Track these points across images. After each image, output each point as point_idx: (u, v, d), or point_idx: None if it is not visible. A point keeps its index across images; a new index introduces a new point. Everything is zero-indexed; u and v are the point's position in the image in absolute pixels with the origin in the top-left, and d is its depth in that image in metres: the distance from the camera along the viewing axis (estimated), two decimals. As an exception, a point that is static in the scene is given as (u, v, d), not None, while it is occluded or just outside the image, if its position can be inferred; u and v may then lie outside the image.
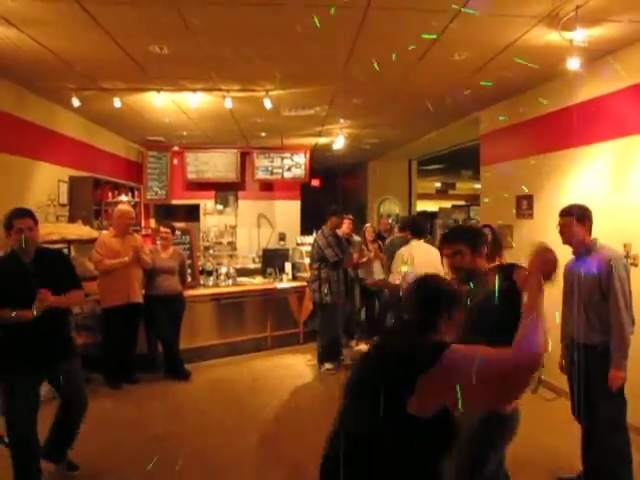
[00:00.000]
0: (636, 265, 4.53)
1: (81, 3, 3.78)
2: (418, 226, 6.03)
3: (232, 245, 10.87)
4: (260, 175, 11.12)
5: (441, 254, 3.49)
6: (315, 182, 12.69)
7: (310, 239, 8.95)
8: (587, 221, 3.59)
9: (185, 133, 9.21)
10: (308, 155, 11.05)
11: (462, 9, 3.85)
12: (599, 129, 5.06)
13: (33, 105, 6.35)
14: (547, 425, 4.73)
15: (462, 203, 16.78)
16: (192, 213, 11.22)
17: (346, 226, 7.05)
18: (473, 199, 14.86)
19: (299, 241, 9.16)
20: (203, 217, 11.29)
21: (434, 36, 4.38)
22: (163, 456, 4.20)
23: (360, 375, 2.00)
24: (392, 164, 12.79)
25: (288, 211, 11.52)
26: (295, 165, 11.08)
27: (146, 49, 4.79)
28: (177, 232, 7.00)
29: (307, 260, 8.21)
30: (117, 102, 6.40)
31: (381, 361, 1.91)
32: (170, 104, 6.83)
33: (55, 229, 6.10)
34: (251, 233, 11.38)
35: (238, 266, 8.76)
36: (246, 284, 7.64)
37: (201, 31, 4.39)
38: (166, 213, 11.00)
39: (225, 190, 11.32)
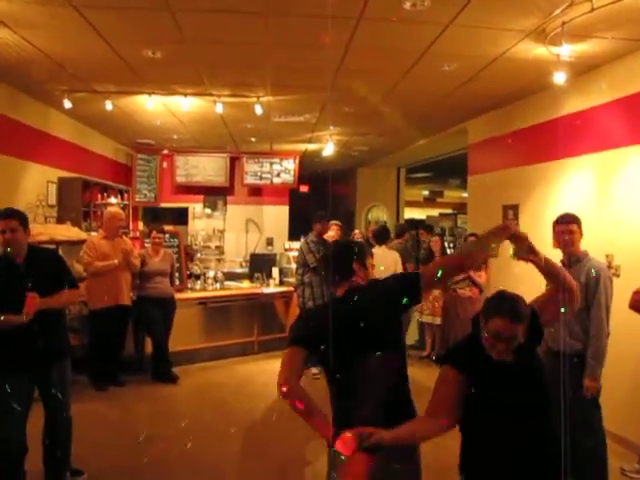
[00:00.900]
0: (618, 276, 4.62)
1: (76, 6, 3.81)
2: (381, 234, 6.87)
3: (220, 249, 10.88)
4: (249, 180, 11.15)
5: None
6: (304, 188, 12.74)
7: (298, 245, 9.00)
8: (581, 230, 3.66)
9: (175, 136, 9.23)
10: (297, 161, 11.10)
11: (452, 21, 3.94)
12: (584, 142, 5.16)
13: (24, 106, 6.35)
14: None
15: (449, 211, 16.93)
16: (180, 216, 11.22)
17: (334, 232, 7.11)
18: (460, 207, 15.00)
19: (287, 246, 9.19)
20: (191, 221, 11.29)
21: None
22: (149, 459, 4.20)
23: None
24: (381, 171, 12.88)
25: (276, 216, 11.56)
26: (284, 171, 11.12)
27: (139, 53, 4.82)
28: (166, 235, 7.01)
29: (294, 265, 8.25)
30: (108, 105, 6.42)
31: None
32: (161, 107, 6.85)
33: (44, 230, 6.09)
34: (239, 238, 11.40)
35: (226, 270, 8.77)
36: (233, 288, 7.66)
37: (194, 37, 4.44)
38: (154, 216, 10.99)
39: (214, 194, 11.33)
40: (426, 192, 18.37)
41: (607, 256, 4.70)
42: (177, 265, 6.86)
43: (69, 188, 7.46)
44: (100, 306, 5.65)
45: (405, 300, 2.27)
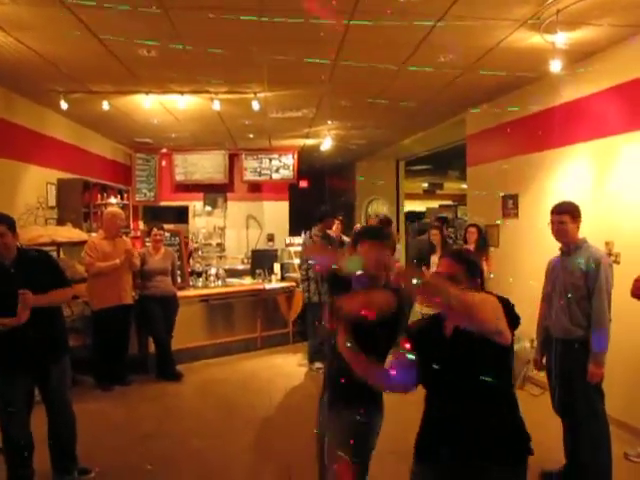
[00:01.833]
0: (618, 263, 4.63)
1: (69, 7, 3.81)
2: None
3: (221, 246, 10.90)
4: (248, 176, 11.15)
5: None
6: (303, 183, 12.75)
7: (299, 240, 9.02)
8: (578, 219, 3.67)
9: (173, 135, 9.22)
10: (296, 156, 11.10)
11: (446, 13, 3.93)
12: (582, 129, 5.16)
13: (21, 108, 6.36)
14: (533, 420, 4.79)
15: (449, 203, 16.91)
16: (181, 215, 11.24)
17: (335, 227, 7.12)
18: (460, 199, 14.99)
19: (288, 242, 9.20)
20: (192, 219, 11.31)
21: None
22: (156, 457, 4.24)
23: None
24: (380, 164, 12.86)
25: (277, 212, 11.57)
26: (283, 166, 11.12)
27: (134, 52, 4.82)
28: (166, 234, 7.03)
29: (296, 261, 8.27)
30: (105, 105, 6.42)
31: None
32: (158, 106, 6.85)
33: (44, 232, 6.12)
34: (240, 234, 11.41)
35: (227, 267, 8.80)
36: (235, 285, 7.68)
37: (188, 35, 4.44)
38: (155, 215, 10.98)
39: (214, 191, 11.34)
40: (426, 184, 18.34)
41: (607, 243, 4.72)
42: (178, 263, 6.88)
43: (69, 189, 7.47)
44: (103, 306, 5.66)
45: None
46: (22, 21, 4.07)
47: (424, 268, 7.59)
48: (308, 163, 12.00)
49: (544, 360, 3.91)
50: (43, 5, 3.80)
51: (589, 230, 4.90)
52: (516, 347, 6.13)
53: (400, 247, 8.75)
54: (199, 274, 7.65)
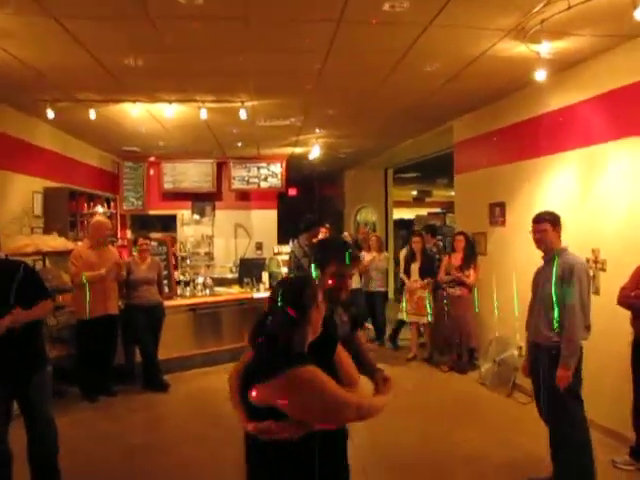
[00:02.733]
0: (604, 270, 4.66)
1: (55, 16, 3.79)
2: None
3: (209, 255, 10.86)
4: (237, 185, 11.13)
5: None
6: (292, 191, 12.75)
7: (287, 248, 9.01)
8: (558, 227, 3.72)
9: (161, 143, 9.20)
10: (284, 165, 11.09)
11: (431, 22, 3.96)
12: (567, 138, 5.20)
13: (7, 117, 6.31)
14: (521, 428, 4.83)
15: (438, 210, 17.00)
16: (169, 223, 11.18)
17: (323, 235, 7.11)
18: (449, 206, 15.06)
19: (276, 250, 9.19)
20: (180, 227, 11.26)
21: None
22: (142, 468, 4.19)
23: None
24: (368, 173, 12.91)
25: (265, 220, 11.54)
26: (271, 175, 11.12)
27: (121, 61, 4.80)
28: (153, 243, 6.98)
29: (284, 269, 8.24)
30: (92, 114, 6.38)
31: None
32: (146, 115, 6.83)
33: (30, 241, 6.05)
34: (228, 243, 11.38)
35: (215, 276, 8.75)
36: (223, 294, 7.64)
37: (175, 44, 4.43)
38: (143, 224, 10.94)
39: (202, 200, 11.31)
40: (415, 192, 18.43)
41: (593, 251, 4.75)
42: (165, 272, 6.83)
43: (55, 198, 7.41)
44: (88, 316, 5.60)
45: None
46: (6, 30, 4.03)
47: (404, 276, 7.63)
48: (297, 171, 12.01)
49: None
50: (27, 14, 3.76)
51: (575, 238, 4.93)
52: (505, 355, 6.20)
53: (389, 255, 8.76)
54: (186, 283, 7.60)
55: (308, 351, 2.01)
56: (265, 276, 8.17)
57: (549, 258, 3.72)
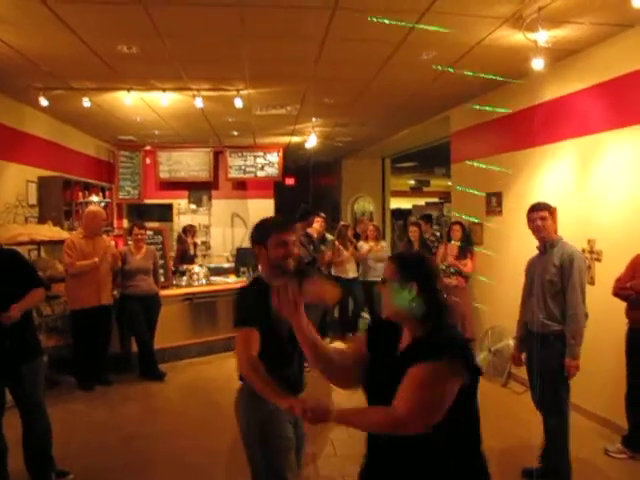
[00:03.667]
0: (600, 260, 4.65)
1: (47, 3, 3.74)
2: None
3: (206, 244, 10.83)
4: (233, 174, 11.10)
5: None
6: (289, 180, 12.71)
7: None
8: (554, 217, 3.83)
9: (157, 132, 9.15)
10: (281, 154, 11.06)
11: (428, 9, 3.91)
12: (565, 127, 5.17)
13: (0, 105, 6.24)
14: (516, 417, 4.84)
15: (436, 200, 16.96)
16: (165, 213, 11.15)
17: (319, 225, 7.10)
18: (447, 196, 15.01)
19: (272, 239, 9.14)
20: (176, 217, 11.22)
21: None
22: (138, 457, 4.20)
23: None
24: (365, 162, 12.86)
25: (262, 210, 11.47)
26: (268, 164, 11.08)
27: (114, 48, 4.75)
28: (149, 232, 6.95)
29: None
30: (86, 102, 6.33)
31: None
32: (141, 103, 6.78)
33: (24, 230, 6.03)
34: (225, 232, 11.35)
35: (212, 265, 8.74)
36: (219, 283, 7.62)
37: (169, 31, 4.39)
38: (139, 213, 10.91)
39: (198, 189, 11.28)
40: (412, 182, 18.39)
41: (589, 241, 4.74)
42: (161, 262, 6.81)
43: (49, 187, 7.37)
44: (81, 306, 5.58)
45: None
46: (-2, 16, 3.99)
47: None
48: (294, 161, 11.97)
49: (523, 356, 3.96)
50: None
51: (572, 228, 4.93)
52: (500, 345, 6.19)
53: (386, 245, 8.73)
54: (183, 273, 7.58)
55: None
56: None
57: (546, 247, 3.73)
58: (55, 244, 6.39)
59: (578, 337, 3.54)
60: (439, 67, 5.27)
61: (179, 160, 10.93)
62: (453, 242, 6.80)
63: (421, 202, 16.83)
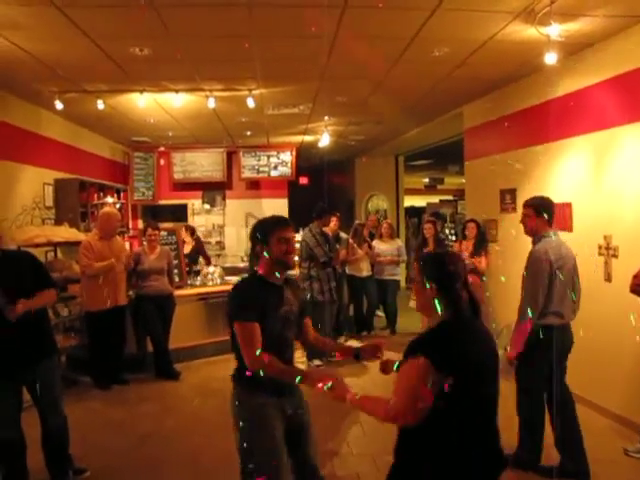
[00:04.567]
0: (616, 257, 4.59)
1: (59, 7, 3.78)
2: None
3: (220, 244, 10.88)
4: (247, 174, 11.13)
5: None
6: (303, 180, 12.71)
7: (298, 237, 8.98)
8: (544, 213, 3.75)
9: (170, 133, 9.20)
10: (294, 153, 11.07)
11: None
12: (580, 122, 5.11)
13: (16, 108, 6.33)
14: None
15: (450, 198, 16.86)
16: (180, 213, 11.20)
17: (334, 223, 7.11)
18: (461, 194, 14.93)
19: (287, 239, 9.14)
20: (191, 217, 11.28)
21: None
22: (154, 456, 4.23)
23: None
24: (379, 160, 12.83)
25: (275, 209, 11.43)
26: (281, 163, 11.09)
27: (127, 51, 4.79)
28: (163, 232, 7.00)
29: (296, 258, 8.24)
30: (100, 104, 6.39)
31: None
32: (154, 105, 6.82)
33: (41, 232, 6.08)
34: (239, 232, 11.37)
35: (227, 265, 8.76)
36: (234, 283, 7.62)
37: (181, 32, 4.41)
38: (153, 214, 10.97)
39: (212, 189, 11.31)
40: (426, 179, 18.31)
41: (605, 237, 4.67)
42: (176, 262, 6.85)
43: (66, 189, 7.44)
44: (98, 308, 5.63)
45: None
46: (11, 21, 4.03)
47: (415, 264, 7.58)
48: (307, 160, 11.97)
49: None
50: (31, 5, 3.76)
51: (588, 224, 4.89)
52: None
53: (401, 243, 8.71)
54: (197, 273, 7.62)
55: None
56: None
57: (533, 243, 3.84)
58: (71, 245, 6.46)
59: (518, 331, 3.68)
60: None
61: (193, 161, 10.98)
62: (468, 239, 6.78)
63: (435, 200, 16.72)
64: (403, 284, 10.28)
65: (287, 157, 11.08)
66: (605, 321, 4.57)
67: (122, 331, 5.98)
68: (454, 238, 12.53)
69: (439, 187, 18.49)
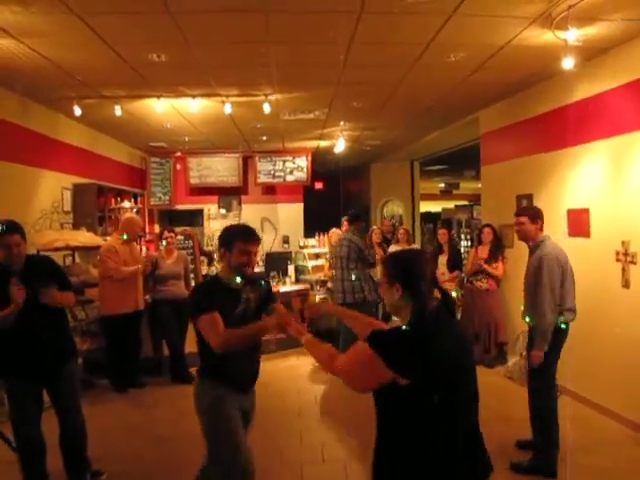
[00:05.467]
0: (634, 263, 4.53)
1: (79, 14, 3.84)
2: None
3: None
4: (262, 179, 11.17)
5: None
6: (318, 185, 12.73)
7: (313, 241, 9.02)
8: (538, 220, 3.98)
9: (187, 138, 9.27)
10: (310, 158, 11.09)
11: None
12: (597, 127, 5.06)
13: (36, 114, 6.42)
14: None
15: (465, 203, 16.77)
16: (196, 218, 11.29)
17: (345, 228, 7.12)
18: (477, 199, 14.85)
19: (302, 244, 9.19)
20: (207, 221, 11.35)
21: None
22: (169, 459, 4.25)
23: None
24: (394, 165, 12.82)
25: (291, 214, 11.55)
26: (297, 168, 11.12)
27: (144, 57, 4.85)
28: (180, 237, 7.05)
29: (310, 263, 8.26)
30: (118, 110, 6.46)
31: None
32: (170, 110, 6.88)
33: (59, 236, 6.16)
34: (255, 237, 11.39)
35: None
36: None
37: (198, 38, 4.45)
38: (170, 218, 11.07)
39: (228, 194, 11.38)
40: (442, 184, 18.23)
41: (623, 243, 4.62)
42: (192, 267, 6.89)
43: (84, 194, 7.53)
44: (118, 312, 5.69)
45: None
46: (32, 28, 4.10)
47: None
48: (323, 165, 11.99)
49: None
50: (52, 13, 3.82)
51: (605, 229, 4.84)
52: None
53: (417, 248, 8.69)
54: (213, 277, 7.64)
55: None
56: (291, 270, 8.19)
57: (531, 249, 4.01)
58: (89, 250, 6.53)
59: (543, 332, 3.78)
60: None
61: (209, 166, 11.05)
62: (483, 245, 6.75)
63: (451, 205, 16.64)
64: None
65: (303, 162, 11.11)
66: (623, 328, 4.51)
67: (139, 335, 6.03)
68: (469, 243, 12.50)
69: (454, 192, 18.40)
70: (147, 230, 10.48)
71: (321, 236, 8.99)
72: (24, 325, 3.35)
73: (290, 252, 9.28)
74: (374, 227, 8.95)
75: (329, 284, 7.77)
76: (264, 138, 9.51)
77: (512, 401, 5.25)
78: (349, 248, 6.69)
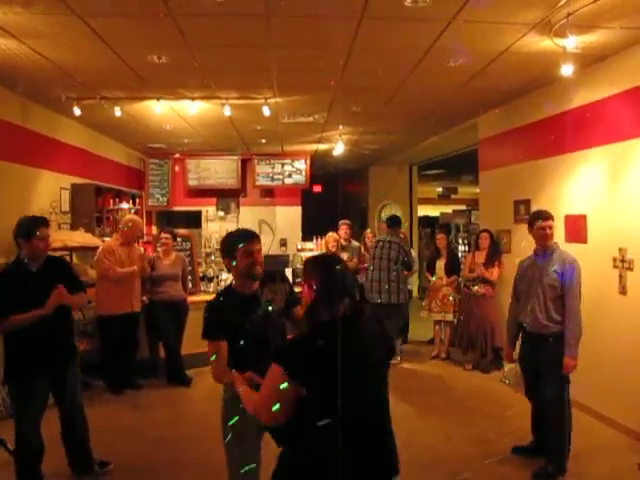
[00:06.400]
0: (631, 269, 4.54)
1: (80, 15, 3.85)
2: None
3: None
4: (261, 181, 11.18)
5: None
6: (317, 188, 12.74)
7: (311, 245, 9.03)
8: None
9: (186, 140, 9.28)
10: (309, 161, 11.11)
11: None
12: (595, 134, 5.08)
13: (35, 114, 6.42)
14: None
15: (463, 208, 16.79)
16: (194, 220, 11.27)
17: (344, 232, 7.13)
18: (474, 204, 14.86)
19: (300, 247, 9.19)
20: (205, 223, 11.34)
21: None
22: (165, 461, 4.25)
23: None
24: (393, 169, 12.84)
25: (289, 217, 11.56)
26: (296, 171, 11.13)
27: (145, 59, 4.85)
28: (178, 239, 7.04)
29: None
30: (117, 111, 6.46)
31: None
32: (170, 112, 6.89)
33: (57, 236, 6.14)
34: (252, 239, 11.38)
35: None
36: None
37: (198, 41, 4.47)
38: (168, 220, 11.06)
39: (226, 196, 11.37)
40: (440, 189, 18.26)
41: (620, 250, 4.64)
42: (190, 268, 6.89)
43: (82, 194, 7.52)
44: (112, 313, 5.68)
45: None
46: (34, 29, 4.10)
47: (427, 274, 7.61)
48: (321, 168, 12.00)
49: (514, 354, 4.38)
50: (53, 14, 3.83)
51: (602, 236, 4.85)
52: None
53: (414, 252, 8.69)
54: (210, 279, 7.65)
55: None
56: (289, 272, 8.18)
57: (545, 253, 4.00)
58: (86, 250, 6.52)
59: (578, 339, 3.82)
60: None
61: (207, 168, 11.05)
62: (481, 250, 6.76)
63: (448, 209, 16.67)
64: (415, 293, 10.26)
65: (301, 165, 11.12)
66: (620, 335, 4.53)
67: (135, 336, 6.01)
68: (466, 248, 12.51)
69: (452, 197, 18.43)
70: (145, 231, 10.47)
71: (319, 239, 8.99)
72: (39, 324, 3.40)
73: (288, 255, 9.28)
74: (367, 231, 8.97)
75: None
76: (263, 141, 9.52)
77: (508, 406, 5.27)
78: (398, 252, 6.85)
